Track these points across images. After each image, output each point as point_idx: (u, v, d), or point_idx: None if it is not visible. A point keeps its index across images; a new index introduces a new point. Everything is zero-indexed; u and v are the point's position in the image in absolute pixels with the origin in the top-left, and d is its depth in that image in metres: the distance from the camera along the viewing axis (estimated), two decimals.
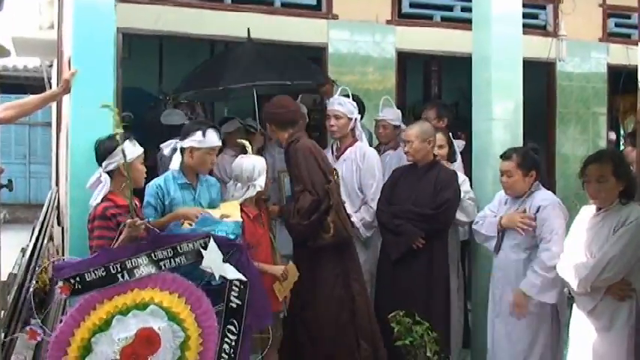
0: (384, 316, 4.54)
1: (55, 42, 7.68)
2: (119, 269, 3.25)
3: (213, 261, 3.46)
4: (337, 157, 5.10)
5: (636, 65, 4.43)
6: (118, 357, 3.14)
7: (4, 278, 5.61)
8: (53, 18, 8.32)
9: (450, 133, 5.72)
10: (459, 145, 5.74)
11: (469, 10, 5.44)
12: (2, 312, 4.18)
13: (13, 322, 4.41)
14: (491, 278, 4.44)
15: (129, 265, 3.27)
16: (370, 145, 5.42)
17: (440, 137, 5.04)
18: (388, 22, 6.53)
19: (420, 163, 4.75)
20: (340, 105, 5.04)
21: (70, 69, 4.18)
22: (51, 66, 10.71)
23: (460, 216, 4.84)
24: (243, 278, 3.53)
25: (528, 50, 5.37)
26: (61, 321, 3.20)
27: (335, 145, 5.18)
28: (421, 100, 8.38)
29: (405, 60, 7.12)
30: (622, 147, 7.62)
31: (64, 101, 6.48)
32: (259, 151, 5.56)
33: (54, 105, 8.30)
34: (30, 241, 6.22)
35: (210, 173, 4.58)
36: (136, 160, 3.65)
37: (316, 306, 4.37)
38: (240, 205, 4.05)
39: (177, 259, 3.41)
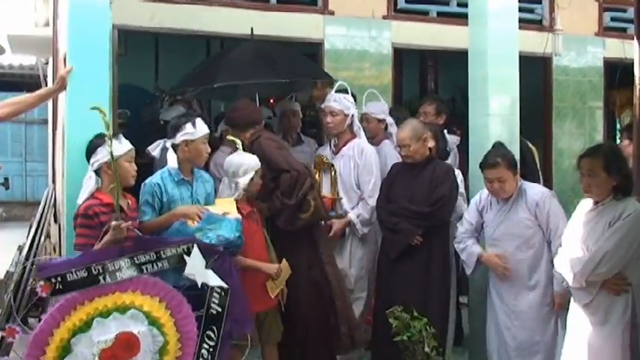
0: (382, 311, 4.56)
1: (51, 39, 7.65)
2: (101, 271, 3.26)
3: (195, 268, 3.49)
4: (335, 154, 5.10)
5: (632, 59, 4.43)
6: (97, 359, 3.16)
7: (0, 276, 5.62)
8: (48, 15, 8.29)
9: (446, 129, 5.71)
10: (453, 140, 5.73)
11: (465, 5, 5.43)
12: None
13: (11, 320, 4.40)
14: (491, 276, 4.42)
15: (110, 268, 3.29)
16: None
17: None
18: (384, 17, 6.52)
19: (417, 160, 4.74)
20: (336, 102, 5.03)
21: (65, 66, 4.17)
22: (47, 63, 10.66)
23: None
24: (225, 285, 3.56)
25: (524, 45, 5.38)
26: (40, 320, 3.21)
27: (333, 142, 5.17)
28: (418, 96, 8.38)
29: (402, 55, 7.12)
30: (618, 141, 7.64)
31: (60, 99, 6.47)
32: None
33: (50, 102, 8.27)
34: (27, 239, 6.20)
35: (207, 170, 4.59)
36: (122, 157, 3.59)
37: (297, 291, 4.35)
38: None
39: (159, 264, 3.44)
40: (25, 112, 4.46)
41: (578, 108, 7.32)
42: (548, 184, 6.10)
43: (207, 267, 3.55)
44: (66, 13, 4.36)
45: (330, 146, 5.19)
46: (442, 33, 6.63)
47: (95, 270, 3.24)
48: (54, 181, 7.60)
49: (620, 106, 8.44)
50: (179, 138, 3.90)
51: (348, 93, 5.11)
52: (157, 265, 3.43)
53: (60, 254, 5.25)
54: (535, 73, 7.00)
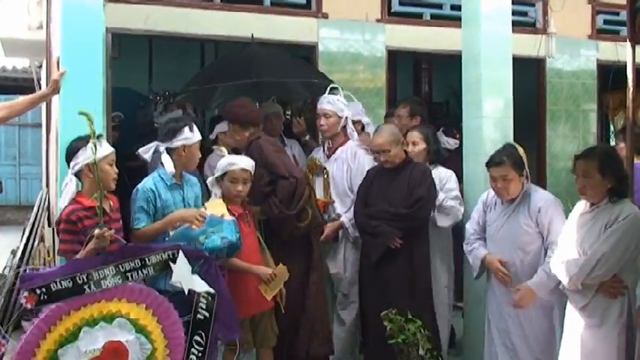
0: (368, 315, 4.55)
1: (44, 42, 7.63)
2: (85, 280, 3.23)
3: (182, 275, 3.48)
4: (328, 157, 5.09)
5: (625, 62, 4.45)
6: None
7: None
8: (42, 18, 8.28)
9: (443, 132, 5.70)
10: (450, 142, 5.73)
11: (459, 7, 5.44)
12: None
13: (4, 325, 4.39)
14: (491, 280, 4.38)
15: (96, 276, 3.26)
16: None
17: (415, 134, 5.02)
18: (378, 20, 6.53)
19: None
20: (329, 103, 5.02)
21: (58, 69, 4.16)
22: (40, 67, 10.65)
23: (442, 221, 4.81)
24: (212, 291, 3.55)
25: (518, 47, 5.39)
26: (24, 331, 3.18)
27: (327, 144, 5.16)
28: None
29: (396, 58, 7.12)
30: (612, 144, 7.65)
31: (53, 102, 6.45)
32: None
33: (44, 106, 8.26)
34: (20, 242, 6.19)
35: (201, 172, 4.58)
36: (103, 160, 3.53)
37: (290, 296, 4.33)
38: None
39: (144, 271, 3.42)
40: (19, 115, 4.45)
41: (571, 111, 7.33)
42: (541, 186, 6.11)
43: (193, 272, 3.54)
44: (59, 17, 4.35)
45: (324, 149, 5.17)
46: (436, 36, 6.64)
47: (80, 279, 3.21)
48: (48, 185, 7.59)
49: (613, 109, 8.46)
50: (177, 142, 3.87)
51: (340, 95, 5.10)
52: (142, 272, 3.41)
53: (54, 258, 5.23)
54: (528, 75, 7.01)
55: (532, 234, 4.15)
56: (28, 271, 3.39)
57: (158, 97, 7.55)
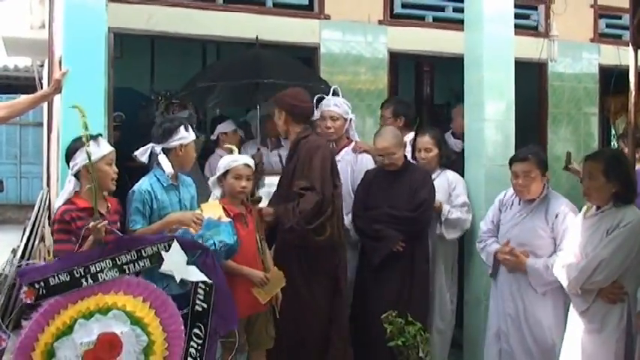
0: (367, 318, 4.52)
1: (46, 42, 7.64)
2: (83, 273, 3.25)
3: (174, 264, 3.46)
4: None
5: (627, 66, 4.45)
6: None
7: None
8: (44, 17, 8.28)
9: (452, 135, 5.67)
10: (458, 145, 5.71)
11: (461, 10, 5.44)
12: None
13: (4, 324, 4.38)
14: (497, 284, 4.36)
15: (93, 270, 3.27)
16: None
17: (426, 140, 4.97)
18: (380, 22, 6.52)
19: None
20: (336, 106, 4.98)
21: (60, 69, 4.16)
22: (42, 66, 10.65)
23: (450, 234, 4.80)
24: (208, 280, 3.52)
25: (520, 51, 5.38)
26: (23, 326, 3.19)
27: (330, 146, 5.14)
28: (413, 101, 8.39)
29: (397, 60, 7.11)
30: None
31: (55, 101, 6.45)
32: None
33: (45, 105, 8.26)
34: (21, 241, 6.19)
35: (202, 172, 4.56)
36: (101, 160, 3.52)
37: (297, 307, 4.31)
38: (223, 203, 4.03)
39: (140, 263, 3.42)
40: (20, 114, 4.45)
41: (573, 114, 7.32)
42: None
43: (190, 263, 3.52)
44: (62, 16, 4.36)
45: None
46: (438, 38, 6.63)
47: (77, 273, 3.24)
48: (48, 184, 7.59)
49: (614, 113, 8.45)
50: (174, 142, 3.85)
51: (340, 97, 5.09)
52: (138, 264, 3.41)
53: (53, 257, 5.23)
54: (530, 78, 7.01)
55: (545, 238, 4.13)
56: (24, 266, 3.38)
57: (160, 98, 7.54)
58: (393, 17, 6.60)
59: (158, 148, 3.87)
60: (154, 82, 8.38)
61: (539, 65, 7.02)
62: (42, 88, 9.76)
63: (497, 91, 4.97)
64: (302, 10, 6.32)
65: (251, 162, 4.14)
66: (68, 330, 3.17)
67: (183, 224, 3.68)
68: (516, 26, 5.18)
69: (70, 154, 3.56)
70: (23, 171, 15.71)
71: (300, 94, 4.54)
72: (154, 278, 3.49)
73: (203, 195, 4.27)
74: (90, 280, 3.26)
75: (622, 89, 5.12)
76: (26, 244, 5.98)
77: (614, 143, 8.38)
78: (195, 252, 3.57)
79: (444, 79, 8.24)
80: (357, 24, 6.42)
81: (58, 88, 4.00)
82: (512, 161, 4.27)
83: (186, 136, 3.87)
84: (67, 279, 3.22)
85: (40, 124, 12.96)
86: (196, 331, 3.50)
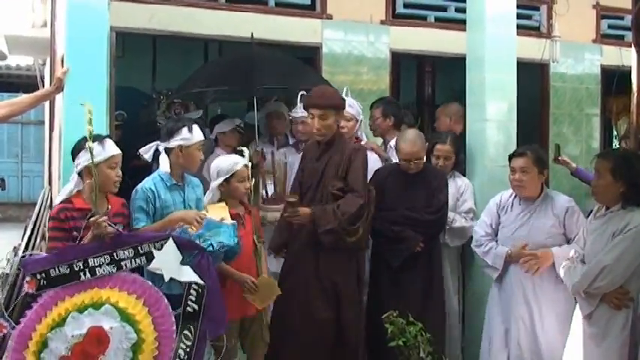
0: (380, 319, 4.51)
1: (48, 40, 7.64)
2: (82, 267, 3.31)
3: (164, 262, 3.45)
4: None
5: (629, 66, 4.45)
6: (69, 354, 3.19)
7: None
8: (46, 16, 8.27)
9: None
10: None
11: (463, 10, 5.44)
12: None
13: (8, 311, 4.39)
14: (504, 287, 4.31)
15: (91, 264, 3.33)
16: None
17: (447, 149, 4.87)
18: (382, 22, 6.52)
19: None
20: (350, 107, 4.92)
21: (62, 67, 4.16)
22: (44, 64, 10.64)
23: (454, 242, 4.78)
24: (200, 281, 3.50)
25: (522, 51, 5.38)
26: (25, 315, 3.25)
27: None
28: (415, 101, 8.39)
29: (399, 60, 7.12)
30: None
31: (56, 100, 6.45)
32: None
33: (47, 103, 8.25)
34: (22, 239, 6.18)
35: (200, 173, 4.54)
36: (104, 163, 3.52)
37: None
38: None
39: (137, 260, 3.44)
40: (22, 113, 4.45)
41: (575, 115, 7.32)
42: None
43: (186, 263, 3.51)
44: (64, 15, 4.36)
45: None
46: (440, 38, 6.63)
47: (77, 266, 3.30)
48: (50, 183, 7.59)
49: (616, 113, 8.44)
50: (174, 142, 3.83)
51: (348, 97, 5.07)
52: (135, 261, 3.43)
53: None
54: (532, 79, 7.00)
55: (556, 235, 4.10)
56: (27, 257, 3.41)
57: (161, 97, 7.54)
58: (395, 17, 6.60)
59: (161, 147, 3.87)
60: (155, 81, 8.38)
61: (541, 66, 7.02)
62: (43, 86, 9.75)
63: (499, 91, 4.97)
64: (304, 10, 6.32)
65: (248, 162, 4.15)
66: (62, 322, 3.23)
67: (186, 223, 3.66)
68: (518, 27, 5.18)
69: (75, 153, 3.57)
70: (25, 169, 15.73)
71: (330, 89, 4.55)
72: (155, 276, 3.49)
73: None
74: (88, 274, 3.32)
75: (624, 90, 5.12)
76: (27, 242, 5.98)
77: (615, 144, 8.39)
78: (192, 252, 3.56)
79: (446, 79, 8.24)
80: (359, 24, 6.42)
81: (59, 87, 4.00)
82: (510, 157, 4.27)
83: (188, 137, 3.83)
84: (67, 271, 3.30)
85: (42, 123, 12.95)
86: (186, 332, 3.47)
